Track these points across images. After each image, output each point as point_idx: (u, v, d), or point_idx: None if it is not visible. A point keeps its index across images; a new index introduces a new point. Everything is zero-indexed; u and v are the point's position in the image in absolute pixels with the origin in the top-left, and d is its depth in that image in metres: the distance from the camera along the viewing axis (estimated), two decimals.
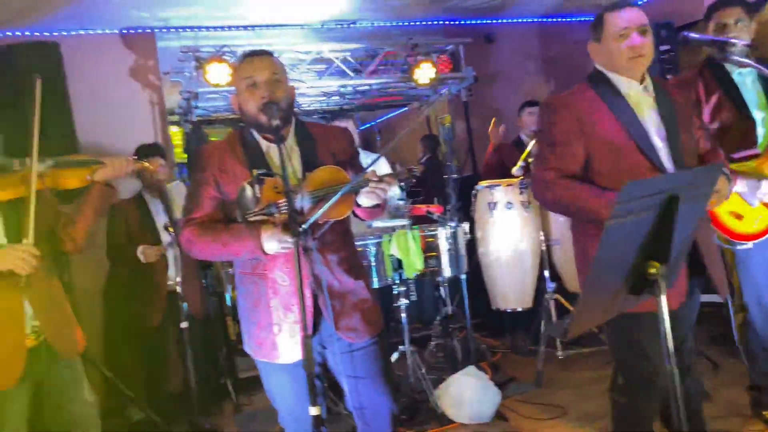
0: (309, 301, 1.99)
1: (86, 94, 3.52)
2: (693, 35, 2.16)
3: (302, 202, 1.92)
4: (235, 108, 2.13)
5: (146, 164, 2.52)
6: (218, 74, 4.21)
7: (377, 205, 2.04)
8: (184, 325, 3.18)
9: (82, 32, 4.51)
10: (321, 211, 1.84)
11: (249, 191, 1.97)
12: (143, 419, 3.70)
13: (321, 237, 2.01)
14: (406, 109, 6.86)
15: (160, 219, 3.55)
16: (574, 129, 2.11)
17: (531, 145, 4.03)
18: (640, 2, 5.58)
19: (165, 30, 4.77)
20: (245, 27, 5.00)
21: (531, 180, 2.33)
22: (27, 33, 4.30)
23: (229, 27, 4.94)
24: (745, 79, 2.68)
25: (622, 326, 2.06)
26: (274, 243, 1.90)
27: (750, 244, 2.63)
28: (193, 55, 4.34)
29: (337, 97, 5.33)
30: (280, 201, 1.94)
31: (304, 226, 1.82)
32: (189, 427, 3.73)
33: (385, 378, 2.11)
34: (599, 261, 1.22)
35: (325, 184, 1.97)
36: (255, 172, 1.98)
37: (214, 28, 4.91)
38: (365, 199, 1.97)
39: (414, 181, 2.02)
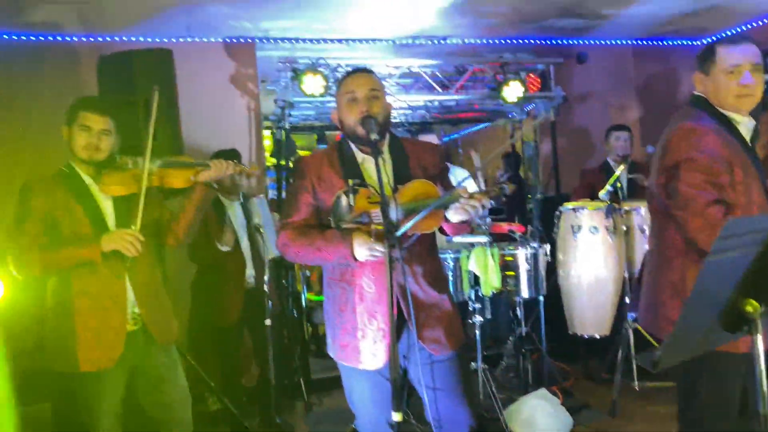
0: (394, 310, 2.05)
1: (190, 99, 3.73)
2: None
3: (394, 213, 1.99)
4: (335, 121, 2.24)
5: (246, 168, 2.66)
6: (313, 85, 4.39)
7: (464, 222, 2.09)
8: (267, 322, 3.31)
9: (189, 40, 4.80)
10: (411, 222, 1.91)
11: (344, 200, 2.07)
12: (220, 409, 3.88)
13: (408, 248, 2.07)
14: (488, 124, 6.86)
15: (236, 221, 3.71)
16: (723, 155, 2.01)
17: (619, 170, 3.96)
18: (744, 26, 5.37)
19: (265, 40, 5.00)
20: (339, 40, 5.17)
21: (691, 217, 2.00)
22: (141, 39, 4.62)
23: (324, 40, 5.11)
24: None
25: (705, 366, 1.99)
26: (364, 250, 1.98)
27: None
28: (290, 66, 4.52)
29: (423, 111, 5.41)
30: (372, 211, 2.03)
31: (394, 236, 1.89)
32: (261, 422, 3.87)
33: (465, 392, 2.14)
34: (696, 294, 1.21)
35: (417, 197, 2.04)
36: (350, 182, 2.08)
37: (310, 40, 5.11)
38: (454, 215, 2.02)
39: (504, 199, 2.05)
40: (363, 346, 2.09)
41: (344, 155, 2.19)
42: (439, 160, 2.25)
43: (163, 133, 3.07)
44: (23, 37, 4.47)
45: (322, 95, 4.45)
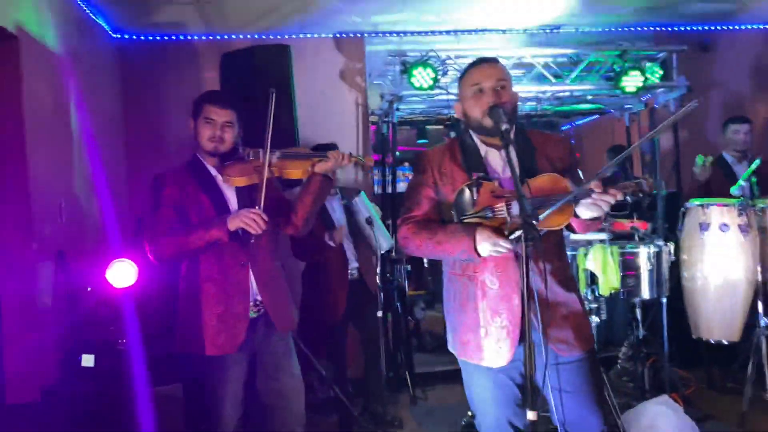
0: (517, 308, 1.99)
1: (302, 93, 3.81)
2: None
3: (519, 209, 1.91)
4: (458, 114, 2.19)
5: (362, 159, 2.68)
6: (422, 78, 4.35)
7: (596, 218, 1.98)
8: (380, 314, 3.34)
9: (302, 36, 4.91)
10: (541, 217, 1.83)
11: (467, 194, 2.02)
12: (329, 398, 3.95)
13: (535, 245, 1.99)
14: (599, 117, 6.57)
15: (335, 214, 3.77)
16: None
17: (756, 163, 3.65)
18: None
19: (374, 34, 5.03)
20: (448, 32, 5.11)
21: None
22: (257, 36, 4.78)
23: (433, 32, 5.07)
24: None
25: None
26: (488, 245, 1.93)
27: None
28: (399, 59, 4.52)
29: (534, 102, 5.24)
30: (497, 205, 1.97)
31: (514, 234, 1.80)
32: (366, 412, 3.91)
33: (596, 396, 2.05)
34: None
35: (545, 191, 1.96)
36: (474, 175, 2.03)
37: (419, 32, 5.08)
38: (585, 211, 1.93)
39: (641, 196, 1.92)
40: (486, 344, 2.04)
41: (467, 148, 2.14)
42: (567, 153, 2.15)
43: (280, 125, 3.15)
44: (150, 37, 4.75)
45: (430, 87, 4.40)
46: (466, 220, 2.00)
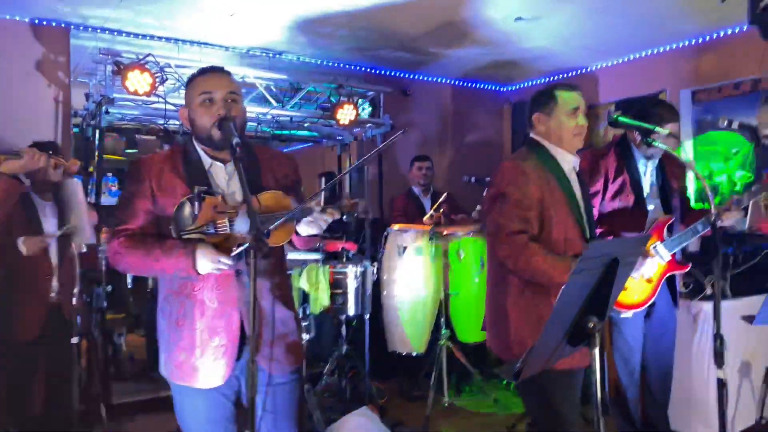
0: (235, 326, 1.95)
1: None
2: (623, 119, 2.42)
3: (242, 225, 1.89)
4: (184, 121, 2.09)
5: (65, 162, 2.37)
6: (139, 82, 4.04)
7: (314, 235, 2.06)
8: (75, 340, 2.95)
9: None
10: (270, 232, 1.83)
11: (188, 208, 1.92)
12: None
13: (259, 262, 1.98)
14: (313, 144, 6.91)
15: (48, 223, 3.30)
16: (535, 194, 2.24)
17: (443, 196, 4.23)
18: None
19: (82, 28, 4.53)
20: (168, 39, 4.87)
21: (498, 244, 2.25)
22: None
23: (152, 36, 4.78)
24: (645, 169, 3.01)
25: (539, 385, 2.14)
26: (208, 263, 1.86)
27: (629, 313, 2.90)
28: (111, 58, 4.14)
29: (254, 124, 5.28)
30: (219, 221, 1.92)
31: (237, 250, 1.78)
32: None
33: (299, 414, 2.10)
34: (555, 312, 1.32)
35: (269, 208, 1.96)
36: (196, 188, 1.94)
37: (135, 34, 4.74)
38: (306, 228, 1.99)
39: (356, 216, 2.06)
40: (201, 364, 1.95)
41: (190, 159, 2.04)
42: (293, 171, 2.19)
43: None
44: None
45: (147, 94, 4.12)
46: (186, 236, 1.90)
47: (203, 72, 2.03)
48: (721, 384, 1.74)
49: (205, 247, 1.87)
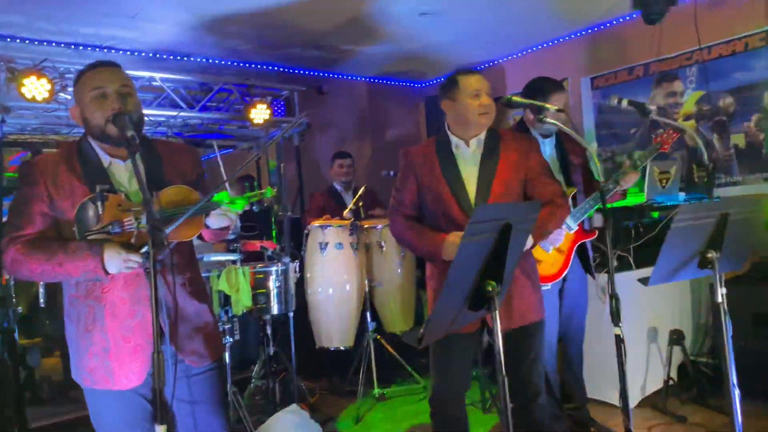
0: (149, 325, 1.90)
1: None
2: (516, 98, 2.52)
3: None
4: (75, 119, 2.02)
5: None
6: (36, 89, 3.85)
7: (224, 228, 2.05)
8: None
9: None
10: (170, 229, 1.81)
11: (91, 208, 1.87)
12: None
13: (165, 258, 1.95)
14: (232, 150, 6.80)
15: None
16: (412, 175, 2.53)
17: (362, 190, 4.26)
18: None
19: None
20: (66, 44, 4.68)
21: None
22: None
23: (50, 42, 4.58)
24: (545, 147, 3.15)
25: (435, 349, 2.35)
26: (118, 262, 1.81)
27: (549, 286, 3.03)
28: (5, 65, 3.93)
29: (165, 128, 5.13)
30: (125, 219, 1.87)
31: (145, 248, 1.76)
32: None
33: (224, 404, 2.08)
34: (452, 276, 1.37)
35: (175, 204, 1.93)
36: (98, 188, 1.89)
37: (31, 40, 4.53)
38: (215, 221, 1.97)
39: (265, 205, 2.06)
40: (116, 367, 1.90)
41: (87, 158, 1.98)
42: (196, 163, 2.16)
43: None
44: None
45: (47, 101, 3.93)
46: (90, 237, 1.84)
47: (93, 67, 1.98)
48: (619, 339, 1.85)
49: (113, 246, 1.82)
